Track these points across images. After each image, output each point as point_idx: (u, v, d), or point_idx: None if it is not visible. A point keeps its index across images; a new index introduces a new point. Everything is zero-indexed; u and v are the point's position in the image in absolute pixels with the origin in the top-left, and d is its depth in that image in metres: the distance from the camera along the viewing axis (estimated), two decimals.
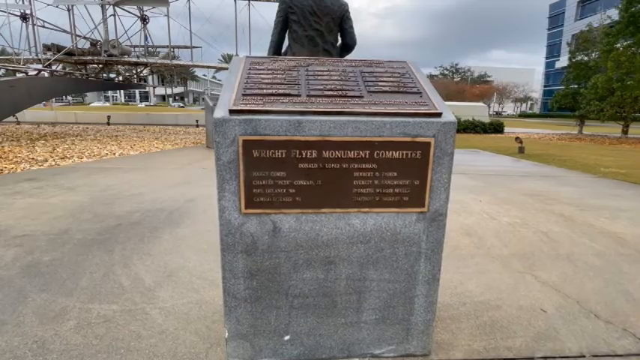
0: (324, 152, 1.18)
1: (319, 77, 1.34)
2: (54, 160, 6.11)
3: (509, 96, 61.40)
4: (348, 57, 3.07)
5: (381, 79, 1.36)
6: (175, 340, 1.50)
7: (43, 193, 3.73)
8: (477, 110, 20.24)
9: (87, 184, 4.21)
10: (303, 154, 1.17)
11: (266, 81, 1.30)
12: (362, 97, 1.26)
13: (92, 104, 48.96)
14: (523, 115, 58.34)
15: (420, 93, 1.30)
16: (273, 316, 1.32)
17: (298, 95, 1.23)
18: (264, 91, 1.24)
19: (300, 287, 1.30)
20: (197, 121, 17.65)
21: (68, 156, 6.60)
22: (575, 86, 19.04)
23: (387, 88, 1.31)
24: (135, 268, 2.12)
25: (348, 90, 1.28)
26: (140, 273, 2.07)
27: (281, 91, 1.24)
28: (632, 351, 1.52)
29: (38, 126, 14.47)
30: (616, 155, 9.48)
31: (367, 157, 1.19)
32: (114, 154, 7.21)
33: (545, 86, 54.63)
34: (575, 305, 1.86)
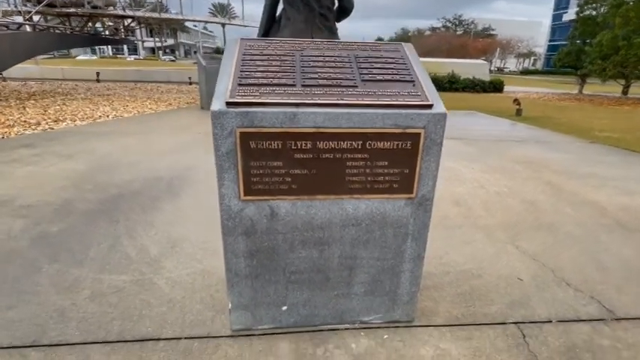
0: (318, 143, 1.23)
1: (314, 64, 1.35)
2: (47, 123, 6.03)
3: (513, 51, 59.39)
4: (344, 38, 2.97)
5: (376, 65, 1.38)
6: (183, 308, 1.65)
7: (41, 161, 3.76)
8: (477, 68, 19.68)
9: (84, 150, 4.23)
10: (299, 145, 1.22)
11: (261, 69, 1.31)
12: (356, 86, 1.28)
13: (78, 57, 46.76)
14: (525, 72, 56.92)
15: (413, 82, 1.33)
16: (272, 289, 1.45)
17: (293, 85, 1.25)
18: (260, 81, 1.26)
19: (297, 264, 1.42)
20: (190, 78, 17.12)
21: (61, 118, 6.51)
22: (580, 42, 18.42)
23: (380, 77, 1.33)
24: (140, 239, 2.23)
25: (342, 79, 1.30)
26: (145, 244, 2.18)
27: (276, 81, 1.26)
28: (594, 316, 1.69)
29: (25, 83, 14.00)
30: (612, 118, 9.48)
31: (360, 147, 1.25)
32: (107, 116, 7.11)
33: (550, 41, 52.78)
34: (550, 274, 2.02)
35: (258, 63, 1.33)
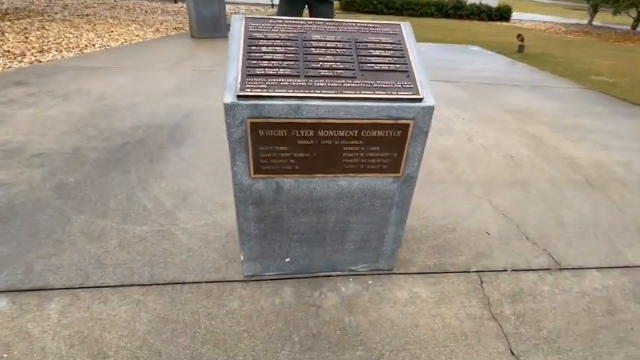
0: (319, 131, 1.39)
1: (316, 51, 1.44)
2: (32, 54, 5.78)
3: None
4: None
5: (374, 53, 1.47)
6: (201, 256, 1.95)
7: (39, 103, 3.78)
8: None
9: (79, 90, 4.20)
10: (302, 133, 1.38)
11: (267, 56, 1.40)
12: (355, 77, 1.40)
13: None
14: None
15: (407, 72, 1.44)
16: (277, 246, 1.73)
17: (297, 76, 1.37)
18: (267, 71, 1.36)
19: (298, 227, 1.68)
20: None
21: (45, 48, 6.20)
22: None
23: (377, 67, 1.43)
24: (153, 191, 2.46)
25: (342, 69, 1.41)
26: (159, 196, 2.41)
27: (281, 71, 1.37)
28: (543, 266, 2.05)
29: None
30: (614, 57, 9.29)
31: (355, 135, 1.41)
32: (93, 45, 6.77)
33: None
34: (515, 229, 2.34)
35: (263, 49, 1.42)
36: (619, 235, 2.35)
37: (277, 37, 1.46)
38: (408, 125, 1.41)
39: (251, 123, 1.34)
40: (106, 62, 5.52)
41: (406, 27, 1.59)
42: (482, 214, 2.46)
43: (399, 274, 1.92)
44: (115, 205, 2.29)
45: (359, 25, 1.56)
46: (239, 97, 1.30)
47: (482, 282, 1.90)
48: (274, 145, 1.40)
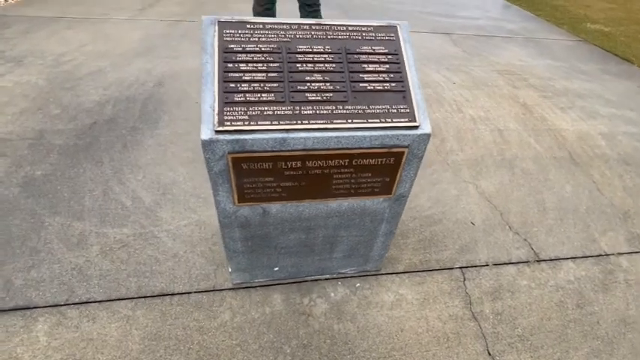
0: (307, 162, 1.29)
1: (302, 68, 1.27)
2: None
3: None
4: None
5: (367, 68, 1.31)
6: (187, 262, 1.92)
7: None
8: None
9: (32, 52, 3.72)
10: (289, 165, 1.28)
11: (247, 77, 1.23)
12: (346, 101, 1.26)
13: None
14: None
15: (404, 92, 1.30)
16: (265, 258, 1.72)
17: (282, 102, 1.22)
18: (247, 97, 1.21)
19: (286, 243, 1.65)
20: None
21: None
22: None
23: (371, 87, 1.29)
24: (130, 185, 2.33)
25: (332, 91, 1.26)
26: (137, 190, 2.30)
27: (264, 97, 1.21)
28: (522, 259, 2.13)
29: None
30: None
31: (346, 164, 1.32)
32: None
33: None
34: (498, 217, 2.38)
35: (242, 67, 1.24)
36: (595, 220, 2.44)
37: (257, 49, 1.27)
38: (402, 153, 1.32)
39: (232, 158, 1.22)
40: (59, 9, 4.84)
41: (403, 28, 1.41)
42: (468, 201, 2.48)
43: (386, 274, 1.97)
44: (90, 204, 2.18)
45: (350, 29, 1.36)
46: (218, 132, 1.16)
47: (464, 279, 1.98)
48: (259, 177, 1.30)
